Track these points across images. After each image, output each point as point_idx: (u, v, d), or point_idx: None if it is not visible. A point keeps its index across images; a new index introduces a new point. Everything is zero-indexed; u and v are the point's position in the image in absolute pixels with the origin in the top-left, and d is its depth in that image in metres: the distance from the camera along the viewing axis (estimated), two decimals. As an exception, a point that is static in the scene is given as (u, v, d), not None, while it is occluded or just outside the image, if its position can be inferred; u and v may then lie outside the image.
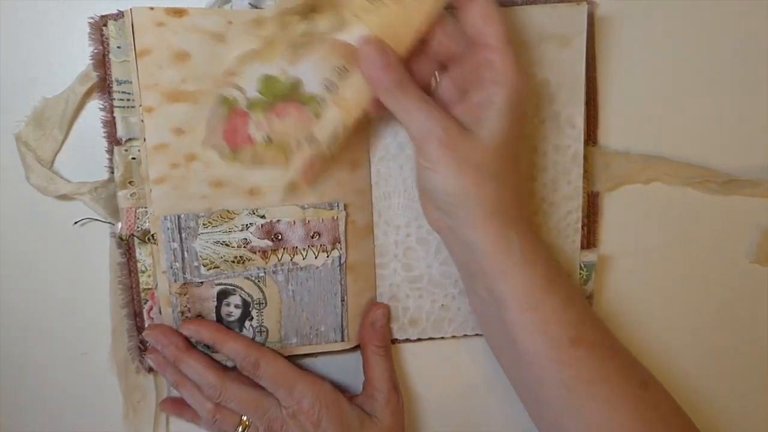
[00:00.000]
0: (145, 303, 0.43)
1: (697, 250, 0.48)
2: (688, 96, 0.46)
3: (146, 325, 0.44)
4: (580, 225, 0.46)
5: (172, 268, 0.41)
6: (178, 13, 0.37)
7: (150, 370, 0.45)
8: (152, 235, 0.41)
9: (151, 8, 0.37)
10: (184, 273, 0.41)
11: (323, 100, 0.39)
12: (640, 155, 0.46)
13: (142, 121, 0.38)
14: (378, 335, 0.45)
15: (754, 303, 0.49)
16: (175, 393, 0.46)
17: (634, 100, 0.46)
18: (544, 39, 0.42)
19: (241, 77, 0.38)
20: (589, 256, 0.46)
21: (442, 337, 0.47)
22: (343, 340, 0.45)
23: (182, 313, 0.42)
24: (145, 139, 0.38)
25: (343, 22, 0.37)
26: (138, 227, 0.42)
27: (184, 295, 0.41)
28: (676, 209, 0.48)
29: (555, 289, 0.37)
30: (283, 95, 0.39)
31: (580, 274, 0.46)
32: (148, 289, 0.43)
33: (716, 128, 0.47)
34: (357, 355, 0.46)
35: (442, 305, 0.46)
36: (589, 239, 0.47)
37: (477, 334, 0.47)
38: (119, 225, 0.42)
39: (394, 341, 0.47)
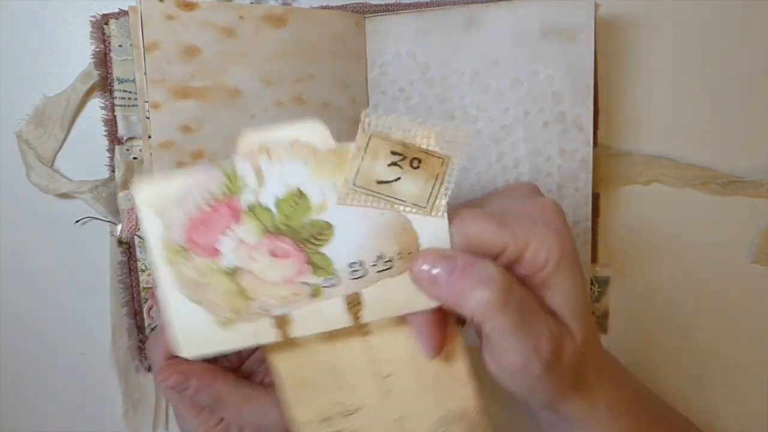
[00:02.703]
0: (146, 302, 0.43)
1: (697, 250, 0.48)
2: (689, 96, 0.47)
3: (147, 336, 0.43)
4: (590, 236, 0.44)
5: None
6: (189, 6, 0.36)
7: (150, 369, 0.45)
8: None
9: (161, 0, 0.36)
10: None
11: (342, 279, 0.27)
12: (641, 156, 0.47)
13: (148, 118, 0.37)
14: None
15: (755, 303, 0.49)
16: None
17: (635, 101, 0.46)
18: (548, 33, 0.41)
19: (274, 166, 0.26)
20: (603, 271, 0.45)
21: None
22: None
23: None
24: (150, 137, 0.38)
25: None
26: (140, 229, 0.42)
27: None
28: (676, 210, 0.48)
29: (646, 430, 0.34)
30: (300, 232, 0.27)
31: (592, 289, 0.45)
32: (149, 287, 0.43)
33: (717, 129, 0.47)
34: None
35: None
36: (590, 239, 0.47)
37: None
38: (119, 227, 0.42)
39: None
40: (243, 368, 0.37)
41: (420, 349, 0.29)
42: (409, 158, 0.26)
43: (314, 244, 0.27)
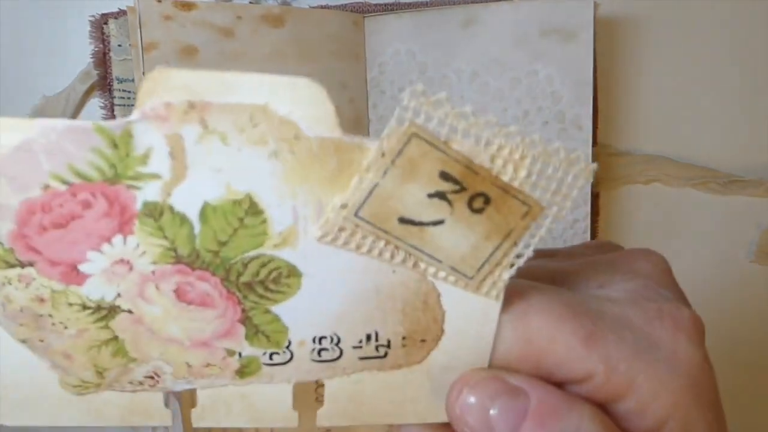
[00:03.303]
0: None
1: (697, 250, 0.48)
2: (689, 96, 0.46)
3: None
4: (588, 235, 0.44)
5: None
6: (187, 6, 0.36)
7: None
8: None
9: (159, 0, 0.36)
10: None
11: (297, 358, 0.17)
12: (641, 155, 0.46)
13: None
14: None
15: (755, 303, 0.49)
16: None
17: (635, 101, 0.46)
18: (548, 32, 0.41)
19: (210, 147, 0.14)
20: None
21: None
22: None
23: None
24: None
25: None
26: None
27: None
28: (676, 210, 0.48)
29: None
30: (237, 270, 0.15)
31: None
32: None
33: (717, 128, 0.47)
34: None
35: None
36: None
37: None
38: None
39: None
40: None
41: None
42: (470, 192, 0.14)
43: (261, 296, 0.16)
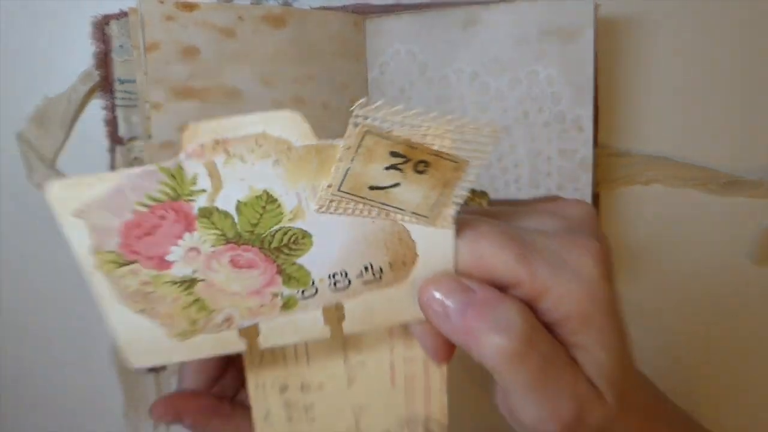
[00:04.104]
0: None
1: (697, 250, 0.48)
2: (689, 96, 0.47)
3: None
4: None
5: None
6: (189, 7, 0.37)
7: (150, 369, 0.45)
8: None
9: (161, 1, 0.36)
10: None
11: (320, 290, 0.24)
12: (641, 156, 0.47)
13: (148, 118, 0.37)
14: None
15: (755, 303, 0.49)
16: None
17: (635, 101, 0.46)
18: (548, 33, 0.41)
19: (233, 166, 0.21)
20: None
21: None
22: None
23: None
24: (150, 137, 0.38)
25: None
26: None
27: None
28: (676, 210, 0.48)
29: None
30: (269, 240, 0.23)
31: None
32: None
33: (717, 129, 0.47)
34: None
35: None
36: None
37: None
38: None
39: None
40: (239, 397, 0.35)
41: (399, 347, 0.27)
42: (413, 161, 0.21)
43: (287, 254, 0.23)
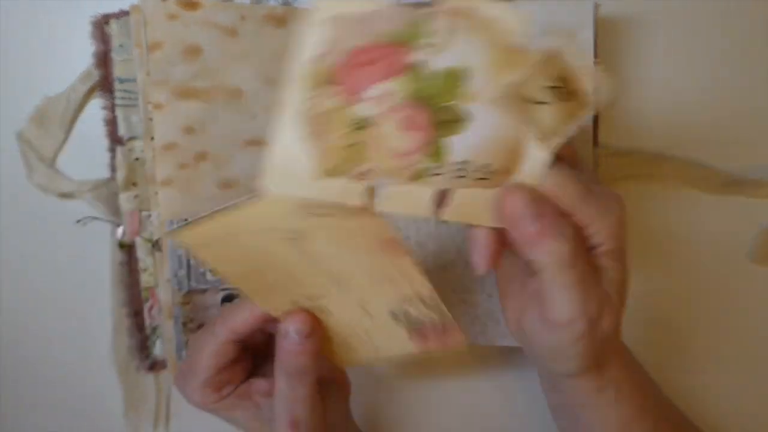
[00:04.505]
0: (146, 301, 0.43)
1: (697, 250, 0.48)
2: (689, 96, 0.47)
3: (147, 335, 0.43)
4: None
5: (176, 276, 0.40)
6: (191, 5, 0.37)
7: (150, 368, 0.45)
8: (156, 242, 0.40)
9: (163, 0, 0.36)
10: (189, 280, 0.40)
11: (446, 172, 0.27)
12: (641, 155, 0.47)
13: (150, 119, 0.37)
14: (281, 351, 0.34)
15: (755, 303, 0.49)
16: (175, 393, 0.46)
17: (635, 100, 0.46)
18: (546, 32, 0.41)
19: (465, 35, 0.24)
20: None
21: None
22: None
23: (185, 324, 0.41)
24: (152, 138, 0.37)
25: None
26: (143, 231, 0.42)
27: (188, 304, 0.41)
28: (676, 210, 0.48)
29: (646, 416, 0.36)
30: (442, 112, 0.26)
31: None
32: (149, 287, 0.43)
33: (717, 129, 0.47)
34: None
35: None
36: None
37: (474, 346, 0.47)
38: (120, 229, 0.42)
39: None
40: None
41: (362, 253, 0.29)
42: (566, 90, 0.25)
43: (445, 129, 0.25)
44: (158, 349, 0.45)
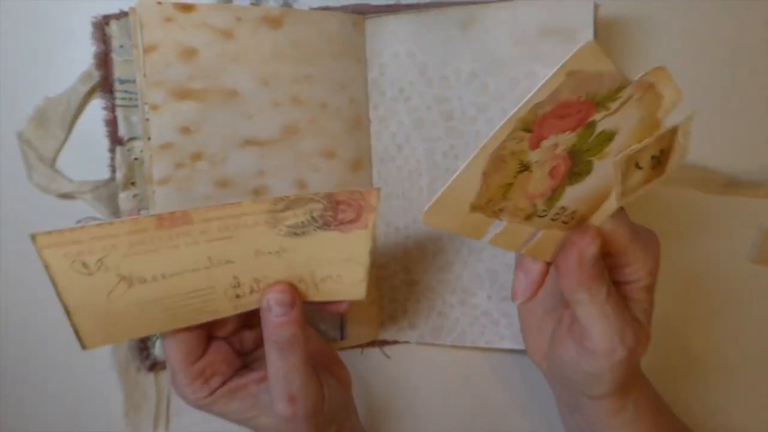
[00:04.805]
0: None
1: (697, 250, 0.48)
2: (689, 96, 0.46)
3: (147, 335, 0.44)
4: None
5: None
6: (187, 8, 0.37)
7: (150, 368, 0.45)
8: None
9: (159, 2, 0.36)
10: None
11: (548, 215, 0.29)
12: (641, 156, 0.46)
13: (147, 120, 0.37)
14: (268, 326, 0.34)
15: (755, 303, 0.49)
16: (176, 396, 0.46)
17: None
18: (547, 33, 0.41)
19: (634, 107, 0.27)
20: None
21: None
22: (342, 339, 0.45)
23: None
24: (149, 138, 0.38)
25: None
26: None
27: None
28: (676, 210, 0.48)
29: None
30: (582, 165, 0.28)
31: None
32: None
33: (717, 129, 0.47)
34: (355, 354, 0.46)
35: (440, 312, 0.46)
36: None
37: (475, 348, 0.47)
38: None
39: (394, 342, 0.47)
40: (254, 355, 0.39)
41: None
42: (660, 160, 0.29)
43: (574, 180, 0.28)
44: (158, 349, 0.45)
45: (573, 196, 0.28)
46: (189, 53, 0.37)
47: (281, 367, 0.33)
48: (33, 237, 0.26)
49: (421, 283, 0.45)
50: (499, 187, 0.26)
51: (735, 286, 0.49)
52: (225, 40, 0.38)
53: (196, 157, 0.39)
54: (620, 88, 0.25)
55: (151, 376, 0.45)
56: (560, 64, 0.24)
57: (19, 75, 0.42)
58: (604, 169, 0.28)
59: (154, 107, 0.37)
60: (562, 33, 0.41)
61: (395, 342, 0.47)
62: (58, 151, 0.43)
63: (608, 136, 0.27)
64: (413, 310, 0.46)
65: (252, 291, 0.32)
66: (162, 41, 0.37)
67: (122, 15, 0.40)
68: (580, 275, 0.31)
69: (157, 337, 0.44)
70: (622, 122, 0.26)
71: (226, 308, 0.32)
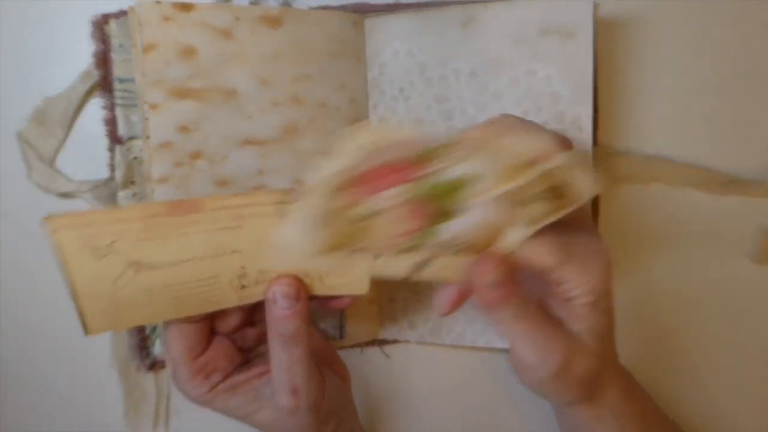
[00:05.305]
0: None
1: (697, 250, 0.48)
2: (689, 96, 0.46)
3: (148, 335, 0.44)
4: None
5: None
6: (186, 7, 0.37)
7: (150, 368, 0.45)
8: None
9: (158, 2, 0.36)
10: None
11: (429, 248, 0.31)
12: (641, 155, 0.46)
13: (146, 119, 0.37)
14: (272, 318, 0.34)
15: (755, 303, 0.49)
16: (175, 392, 0.46)
17: (635, 101, 0.46)
18: (547, 32, 0.41)
19: (475, 161, 0.29)
20: None
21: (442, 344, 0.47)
22: (341, 338, 0.45)
23: None
24: (148, 137, 0.38)
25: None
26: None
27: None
28: (676, 210, 0.48)
29: None
30: (443, 206, 0.30)
31: None
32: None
33: (717, 129, 0.47)
34: (355, 353, 0.46)
35: (440, 312, 0.46)
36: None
37: (475, 347, 0.47)
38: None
39: (394, 342, 0.47)
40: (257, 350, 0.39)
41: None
42: (558, 192, 0.30)
43: (441, 219, 0.30)
44: (158, 349, 0.45)
45: (458, 229, 0.30)
46: (188, 52, 0.37)
47: (285, 359, 0.34)
48: (47, 219, 0.26)
49: (421, 283, 0.45)
50: (343, 234, 0.29)
51: (735, 286, 0.49)
52: (224, 40, 0.38)
53: (196, 156, 0.39)
54: (447, 145, 0.28)
55: (150, 375, 0.46)
56: (345, 143, 0.27)
57: (19, 75, 0.42)
58: (485, 208, 0.30)
59: (154, 106, 0.37)
60: (562, 33, 0.41)
61: (395, 341, 0.47)
62: (57, 150, 0.43)
63: (463, 182, 0.29)
64: (413, 309, 0.46)
65: (257, 282, 0.32)
66: (161, 40, 0.37)
67: (121, 14, 0.40)
68: (483, 300, 0.32)
69: (157, 336, 0.44)
70: (476, 170, 0.29)
71: (232, 299, 0.32)
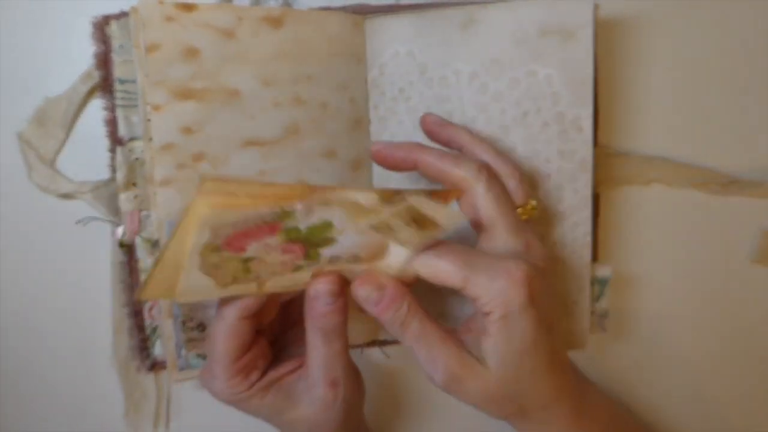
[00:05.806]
0: (146, 302, 0.43)
1: (698, 250, 0.48)
2: (689, 97, 0.47)
3: (148, 335, 0.44)
4: (589, 239, 0.43)
5: (175, 276, 0.40)
6: (188, 8, 0.37)
7: (150, 368, 0.45)
8: (156, 242, 0.41)
9: (161, 2, 0.36)
10: (187, 280, 0.41)
11: (321, 263, 0.34)
12: (641, 156, 0.47)
13: (149, 120, 0.37)
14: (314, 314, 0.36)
15: (756, 303, 0.49)
16: (175, 392, 0.46)
17: (635, 101, 0.46)
18: (547, 33, 0.41)
19: (324, 210, 0.31)
20: (603, 271, 0.45)
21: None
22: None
23: (184, 322, 0.41)
24: (150, 139, 0.37)
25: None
26: (143, 231, 0.42)
27: (187, 303, 0.41)
28: (676, 210, 0.48)
29: None
30: (315, 242, 0.32)
31: (592, 289, 0.45)
32: (149, 288, 0.43)
33: (717, 129, 0.47)
34: (355, 353, 0.46)
35: (440, 312, 0.46)
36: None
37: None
38: (120, 229, 0.42)
39: (394, 342, 0.47)
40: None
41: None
42: (421, 222, 0.33)
43: (319, 246, 0.32)
44: (158, 349, 0.45)
45: (336, 251, 0.33)
46: (190, 53, 0.37)
47: (325, 353, 0.35)
48: (203, 180, 0.28)
49: (420, 285, 0.45)
50: (235, 271, 0.32)
51: (735, 286, 0.49)
52: (226, 40, 0.38)
53: (198, 157, 0.38)
54: (287, 212, 0.31)
55: (151, 376, 0.46)
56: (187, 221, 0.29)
57: (19, 75, 0.42)
58: (355, 237, 0.33)
59: (156, 107, 0.37)
60: (562, 33, 0.41)
61: (395, 342, 0.47)
62: (58, 151, 0.43)
63: (323, 226, 0.32)
64: (413, 310, 0.46)
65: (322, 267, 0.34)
66: (163, 41, 0.36)
67: (122, 15, 0.40)
68: (369, 312, 0.34)
69: (157, 337, 0.44)
70: (329, 216, 0.31)
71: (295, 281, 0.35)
